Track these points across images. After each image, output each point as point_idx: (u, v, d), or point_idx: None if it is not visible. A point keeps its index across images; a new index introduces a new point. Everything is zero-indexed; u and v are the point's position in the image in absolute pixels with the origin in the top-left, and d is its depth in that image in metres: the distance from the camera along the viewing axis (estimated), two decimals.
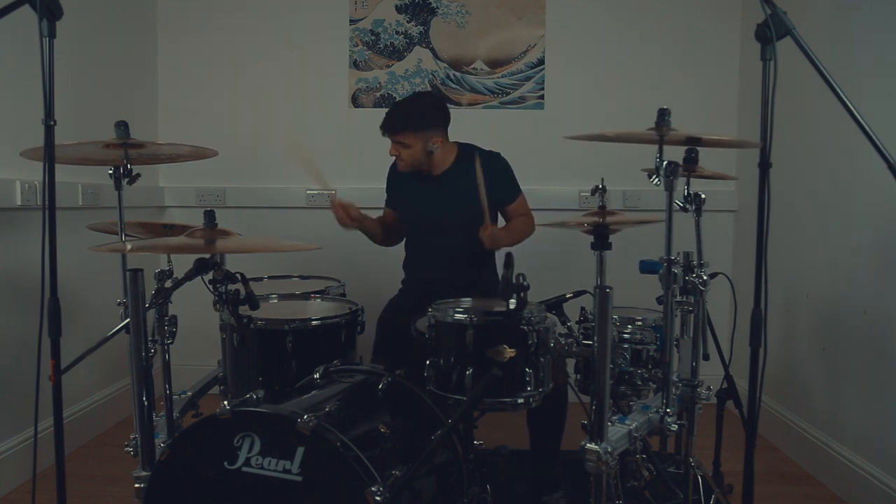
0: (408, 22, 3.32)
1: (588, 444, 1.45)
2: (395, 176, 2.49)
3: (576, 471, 1.55)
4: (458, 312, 1.63)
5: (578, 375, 1.93)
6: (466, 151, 2.38)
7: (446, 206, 2.35)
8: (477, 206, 2.15)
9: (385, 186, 2.56)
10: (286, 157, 3.32)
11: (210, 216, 1.50)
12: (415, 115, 2.30)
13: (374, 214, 2.67)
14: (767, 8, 1.36)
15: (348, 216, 2.30)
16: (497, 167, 2.38)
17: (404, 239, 2.54)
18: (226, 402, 1.42)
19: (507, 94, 3.33)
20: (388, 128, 2.30)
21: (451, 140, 2.41)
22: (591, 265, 1.67)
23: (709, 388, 1.92)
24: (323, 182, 2.22)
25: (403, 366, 1.79)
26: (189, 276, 1.53)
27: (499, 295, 1.53)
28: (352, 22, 3.32)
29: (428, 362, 1.66)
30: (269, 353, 1.84)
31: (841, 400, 2.37)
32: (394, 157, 2.36)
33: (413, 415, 1.71)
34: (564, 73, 3.31)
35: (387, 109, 2.26)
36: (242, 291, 1.58)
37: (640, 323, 1.93)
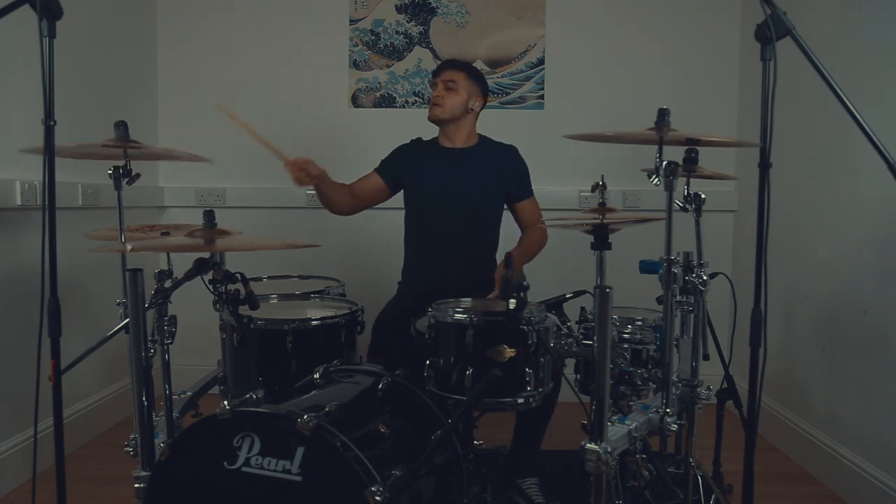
0: (408, 22, 3.32)
1: (588, 444, 1.45)
2: (408, 150, 2.47)
3: (576, 471, 1.55)
4: (458, 312, 1.62)
5: (578, 375, 1.93)
6: (486, 141, 2.45)
7: (461, 184, 2.35)
8: (488, 197, 2.28)
9: (385, 157, 2.48)
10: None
11: (210, 216, 1.49)
12: (472, 65, 2.48)
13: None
14: (767, 8, 1.36)
15: (307, 174, 2.14)
16: (513, 159, 2.42)
17: (405, 235, 2.49)
18: (226, 402, 1.42)
19: (507, 94, 3.33)
20: (444, 64, 2.43)
21: None
22: (591, 265, 1.66)
23: (709, 388, 1.92)
24: (275, 150, 2.06)
25: (399, 368, 1.79)
26: (189, 276, 1.52)
27: (499, 295, 1.53)
28: (352, 22, 3.32)
29: (428, 362, 1.65)
30: (268, 353, 1.84)
31: (841, 400, 2.37)
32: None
33: (413, 415, 1.71)
34: (564, 73, 3.31)
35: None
36: (242, 291, 1.58)
37: (640, 323, 1.93)
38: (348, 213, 2.44)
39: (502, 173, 2.38)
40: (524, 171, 2.42)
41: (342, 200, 2.38)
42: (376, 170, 2.46)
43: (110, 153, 1.65)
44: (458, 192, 2.34)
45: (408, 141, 2.50)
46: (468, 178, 2.35)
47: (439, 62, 3.27)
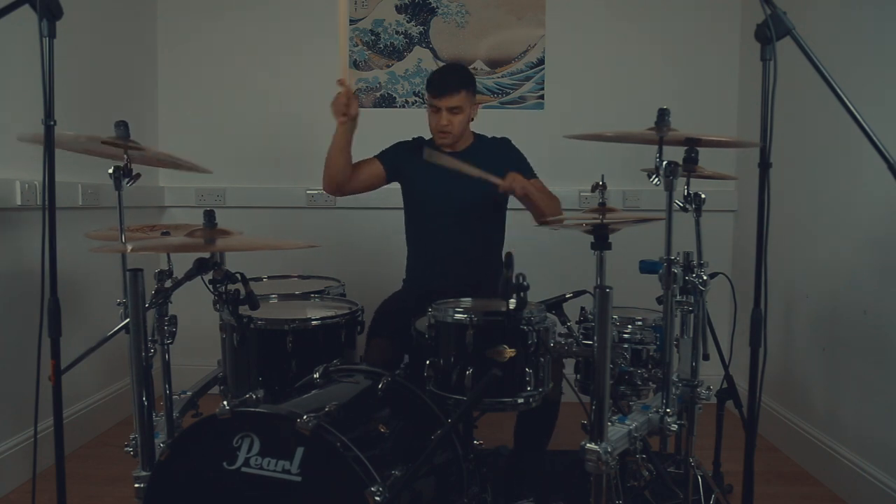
0: (408, 22, 3.32)
1: (588, 444, 1.45)
2: (410, 146, 2.45)
3: (576, 471, 1.55)
4: (458, 312, 1.63)
5: (578, 375, 1.93)
6: (480, 139, 2.46)
7: (460, 184, 2.30)
8: (485, 195, 2.24)
9: (386, 148, 2.46)
10: (286, 156, 3.33)
11: (210, 216, 1.49)
12: (468, 73, 2.37)
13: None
14: (767, 8, 1.36)
15: (348, 110, 2.14)
16: (507, 149, 2.43)
17: (406, 236, 2.49)
18: (225, 402, 1.42)
19: (507, 94, 3.33)
20: (449, 87, 2.25)
21: None
22: (591, 265, 1.66)
23: (709, 388, 1.92)
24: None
25: (397, 351, 1.78)
26: (189, 276, 1.53)
27: (499, 295, 1.53)
28: (352, 22, 3.32)
29: (428, 362, 1.65)
30: (268, 353, 1.84)
31: (841, 400, 2.37)
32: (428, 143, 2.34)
33: (413, 415, 1.71)
34: (564, 73, 3.31)
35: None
36: (242, 291, 1.58)
37: (640, 323, 1.93)
38: (340, 188, 2.36)
39: (497, 167, 2.37)
40: (520, 158, 2.42)
41: (345, 167, 2.29)
42: (376, 156, 2.44)
43: (109, 152, 1.65)
44: (457, 193, 2.34)
45: (409, 139, 2.50)
46: (466, 177, 2.34)
47: (439, 63, 3.28)
